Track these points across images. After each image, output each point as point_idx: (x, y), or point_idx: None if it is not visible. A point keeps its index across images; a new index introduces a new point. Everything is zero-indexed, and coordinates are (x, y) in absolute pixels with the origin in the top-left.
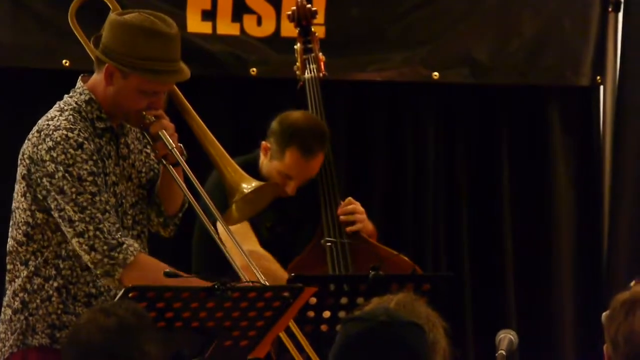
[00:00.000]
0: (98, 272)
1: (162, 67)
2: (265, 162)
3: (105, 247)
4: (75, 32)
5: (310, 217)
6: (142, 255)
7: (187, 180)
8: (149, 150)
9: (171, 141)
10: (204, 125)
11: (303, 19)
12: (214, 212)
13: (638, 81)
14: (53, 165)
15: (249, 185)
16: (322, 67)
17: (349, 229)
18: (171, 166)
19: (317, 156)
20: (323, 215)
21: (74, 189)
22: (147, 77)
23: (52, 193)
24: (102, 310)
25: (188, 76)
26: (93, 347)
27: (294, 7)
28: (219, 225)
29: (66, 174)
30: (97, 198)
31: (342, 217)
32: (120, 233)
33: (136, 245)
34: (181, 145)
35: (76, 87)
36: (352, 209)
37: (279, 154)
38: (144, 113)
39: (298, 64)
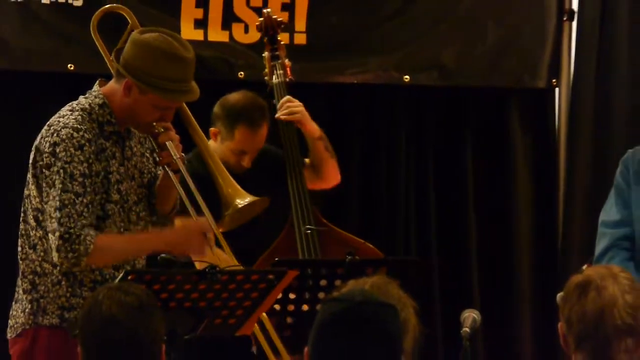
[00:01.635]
0: (64, 268)
1: (177, 87)
2: (216, 146)
3: (68, 248)
4: (97, 43)
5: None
6: (99, 238)
7: (184, 185)
8: (148, 155)
9: (175, 151)
10: (206, 139)
11: (270, 29)
12: (206, 213)
13: (590, 84)
14: (53, 159)
15: (242, 200)
16: (289, 72)
17: (289, 118)
18: (172, 173)
19: (263, 127)
20: (293, 206)
21: (61, 185)
22: (162, 95)
23: (50, 185)
24: (119, 289)
25: (198, 96)
26: (115, 321)
27: (262, 18)
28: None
29: (61, 170)
30: (80, 199)
31: (282, 115)
32: (85, 228)
33: (92, 232)
34: (183, 154)
35: (93, 89)
36: (288, 104)
37: (229, 135)
38: (154, 124)
39: (267, 70)
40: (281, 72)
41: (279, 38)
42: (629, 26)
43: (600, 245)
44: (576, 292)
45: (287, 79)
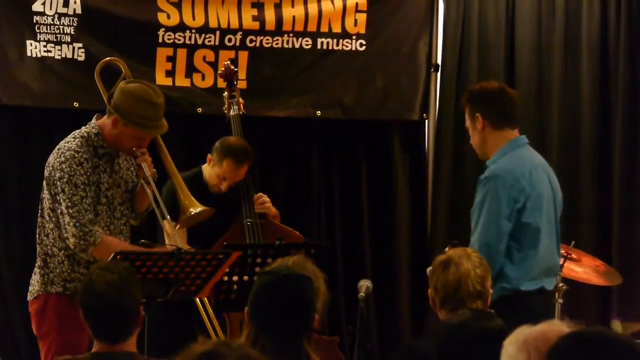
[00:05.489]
0: (76, 250)
1: (151, 124)
2: (208, 168)
3: (81, 234)
4: (98, 85)
5: (233, 210)
6: (105, 236)
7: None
8: (132, 169)
9: (148, 170)
10: (171, 161)
11: (229, 75)
12: (165, 213)
13: (450, 117)
14: (62, 173)
15: (195, 209)
16: (242, 107)
17: (261, 210)
18: (146, 185)
19: (245, 165)
20: (243, 204)
21: (71, 191)
22: (139, 129)
23: (59, 192)
24: (107, 269)
25: (165, 131)
26: (104, 295)
27: (223, 68)
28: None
29: (69, 181)
30: (85, 200)
31: (257, 207)
32: (92, 224)
33: (101, 230)
34: (155, 171)
35: (91, 121)
36: (262, 200)
37: (219, 163)
38: (134, 149)
39: (225, 105)
40: (236, 107)
41: (235, 82)
42: (478, 77)
43: None
44: (441, 267)
45: (241, 112)
